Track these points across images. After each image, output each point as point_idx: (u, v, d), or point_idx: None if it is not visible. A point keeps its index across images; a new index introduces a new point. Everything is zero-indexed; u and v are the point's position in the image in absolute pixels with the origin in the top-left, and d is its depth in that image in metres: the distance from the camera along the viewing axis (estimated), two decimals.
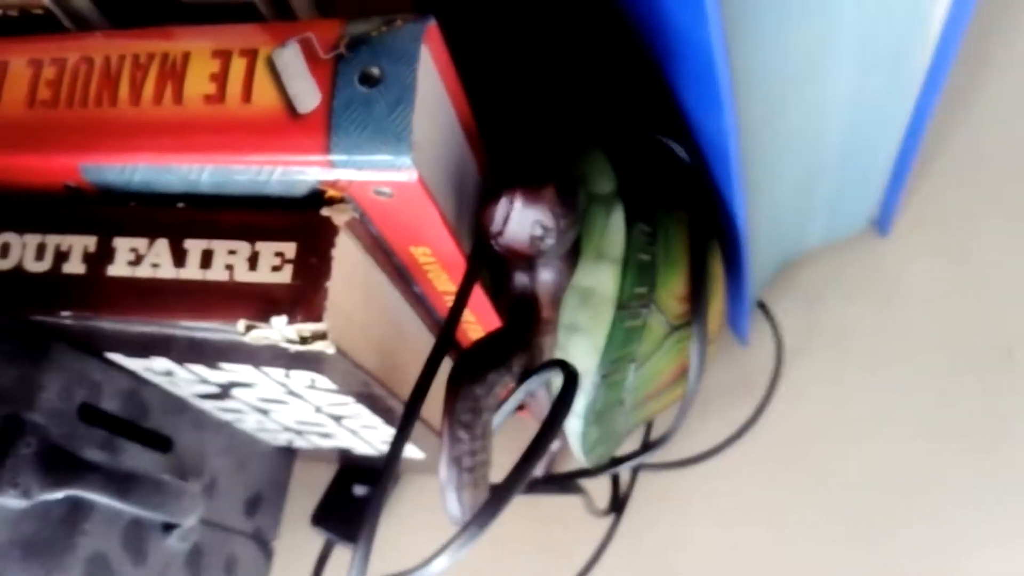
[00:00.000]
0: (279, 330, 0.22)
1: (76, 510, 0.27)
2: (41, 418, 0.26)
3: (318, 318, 0.22)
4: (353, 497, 0.39)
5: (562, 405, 0.23)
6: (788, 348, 0.39)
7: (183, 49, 0.23)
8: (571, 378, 0.24)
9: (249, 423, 0.34)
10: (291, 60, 0.22)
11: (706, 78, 0.23)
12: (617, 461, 0.33)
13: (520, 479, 0.23)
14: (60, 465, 0.25)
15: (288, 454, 0.38)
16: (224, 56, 0.23)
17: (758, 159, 0.29)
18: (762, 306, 0.39)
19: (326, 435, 0.34)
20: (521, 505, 0.39)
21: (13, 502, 0.25)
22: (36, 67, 0.24)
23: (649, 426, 0.37)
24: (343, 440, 0.35)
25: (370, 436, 0.33)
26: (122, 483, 0.26)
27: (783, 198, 0.33)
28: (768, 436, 0.38)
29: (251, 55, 0.22)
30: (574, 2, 0.28)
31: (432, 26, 0.22)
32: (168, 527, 0.31)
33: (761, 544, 0.36)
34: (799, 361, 0.38)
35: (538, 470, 0.37)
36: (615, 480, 0.36)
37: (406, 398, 0.28)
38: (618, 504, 0.36)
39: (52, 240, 0.25)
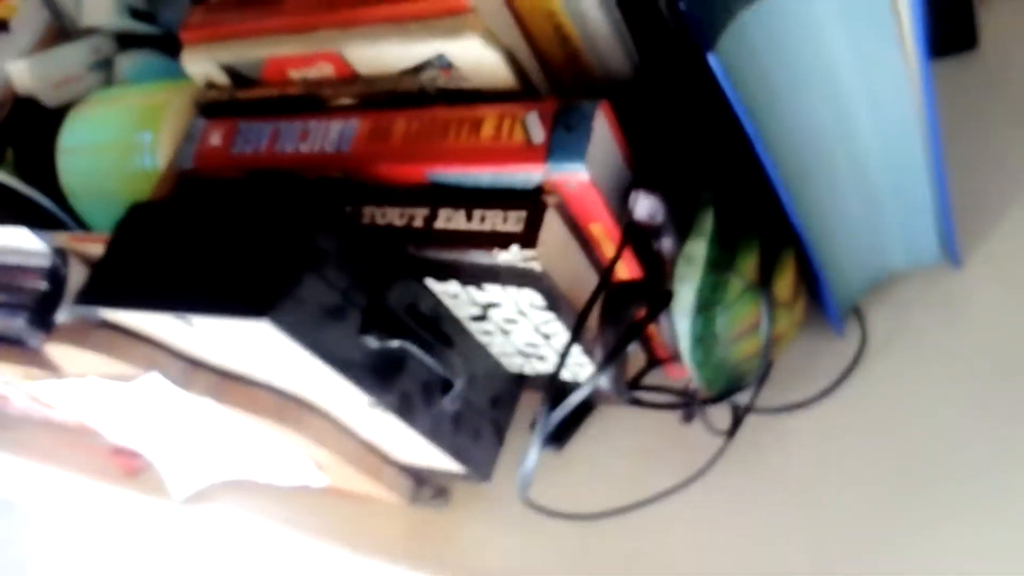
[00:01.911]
0: (513, 253, 0.43)
1: (399, 362, 0.49)
2: (390, 303, 0.48)
3: (533, 247, 0.43)
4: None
5: (657, 303, 0.42)
6: (873, 342, 0.54)
7: (483, 114, 0.45)
8: (665, 295, 0.42)
9: (497, 344, 0.55)
10: (532, 119, 0.44)
11: (756, 153, 0.41)
12: (728, 393, 0.50)
13: (627, 340, 0.42)
14: (397, 327, 0.48)
15: (519, 379, 0.59)
16: (501, 117, 0.45)
17: (819, 196, 0.46)
18: (856, 310, 0.54)
19: (541, 358, 0.55)
20: (646, 418, 0.56)
21: (373, 342, 0.47)
22: (417, 122, 0.48)
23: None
24: (552, 364, 0.55)
25: (570, 361, 0.53)
26: (427, 345, 0.48)
27: (853, 224, 0.49)
28: (850, 400, 0.52)
29: (514, 117, 0.44)
30: (708, 104, 0.47)
31: (604, 103, 0.43)
32: (444, 391, 0.52)
33: (839, 483, 0.51)
34: (881, 351, 0.53)
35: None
36: (735, 409, 0.53)
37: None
38: (735, 426, 0.53)
39: (408, 210, 0.48)
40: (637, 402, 0.55)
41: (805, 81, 0.40)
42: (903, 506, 0.49)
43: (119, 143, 0.66)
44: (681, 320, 0.46)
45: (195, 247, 0.48)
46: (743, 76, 0.39)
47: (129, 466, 0.75)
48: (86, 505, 0.82)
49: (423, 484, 0.62)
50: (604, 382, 0.46)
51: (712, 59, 0.36)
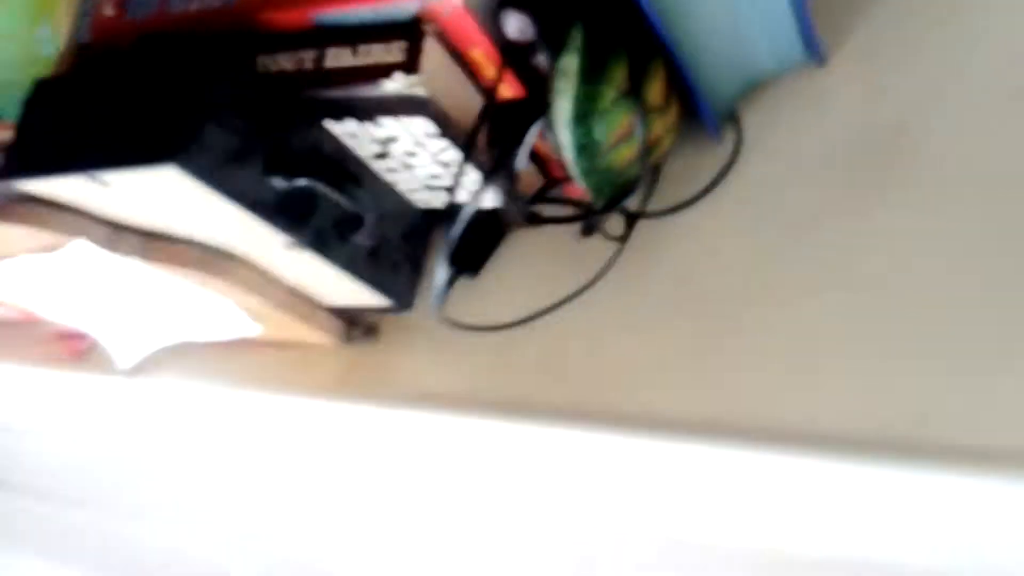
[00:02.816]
0: (399, 80, 0.46)
1: (310, 201, 0.53)
2: (293, 146, 0.51)
3: (416, 72, 0.46)
4: (472, 245, 0.63)
5: (533, 114, 0.45)
6: (748, 142, 0.58)
7: None
8: (541, 106, 0.46)
9: (403, 181, 0.58)
10: None
11: None
12: (617, 200, 0.55)
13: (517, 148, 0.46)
14: (302, 167, 0.51)
15: (430, 214, 0.63)
16: None
17: (680, 4, 0.49)
18: (732, 114, 0.59)
19: (447, 189, 0.58)
20: (552, 237, 0.61)
21: (279, 182, 0.50)
22: None
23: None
24: (458, 194, 0.58)
25: (471, 185, 0.57)
26: (334, 183, 0.51)
27: (717, 30, 0.53)
28: (729, 196, 0.57)
29: None
30: None
31: None
32: (357, 227, 0.56)
33: (722, 272, 0.56)
34: (756, 150, 0.58)
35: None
36: (627, 215, 0.57)
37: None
38: (628, 231, 0.58)
39: (298, 54, 0.50)
40: (537, 217, 0.59)
41: None
42: (778, 284, 0.55)
43: (18, 36, 0.66)
44: (562, 131, 0.50)
45: (100, 113, 0.50)
46: None
47: (74, 349, 0.78)
48: (39, 394, 0.86)
49: (354, 324, 0.66)
50: (498, 196, 0.50)
51: None
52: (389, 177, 0.58)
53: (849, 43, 0.58)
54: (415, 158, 0.55)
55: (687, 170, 0.59)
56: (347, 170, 0.55)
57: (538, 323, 0.59)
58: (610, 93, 0.49)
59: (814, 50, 0.57)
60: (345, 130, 0.53)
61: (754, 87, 0.59)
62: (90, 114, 0.50)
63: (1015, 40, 0.54)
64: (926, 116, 0.55)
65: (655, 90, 0.51)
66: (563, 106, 0.49)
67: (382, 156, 0.56)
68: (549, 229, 0.62)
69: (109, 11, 0.56)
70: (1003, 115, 0.53)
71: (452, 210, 0.48)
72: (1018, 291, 0.49)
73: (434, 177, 0.57)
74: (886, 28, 0.58)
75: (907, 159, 0.54)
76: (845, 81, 0.57)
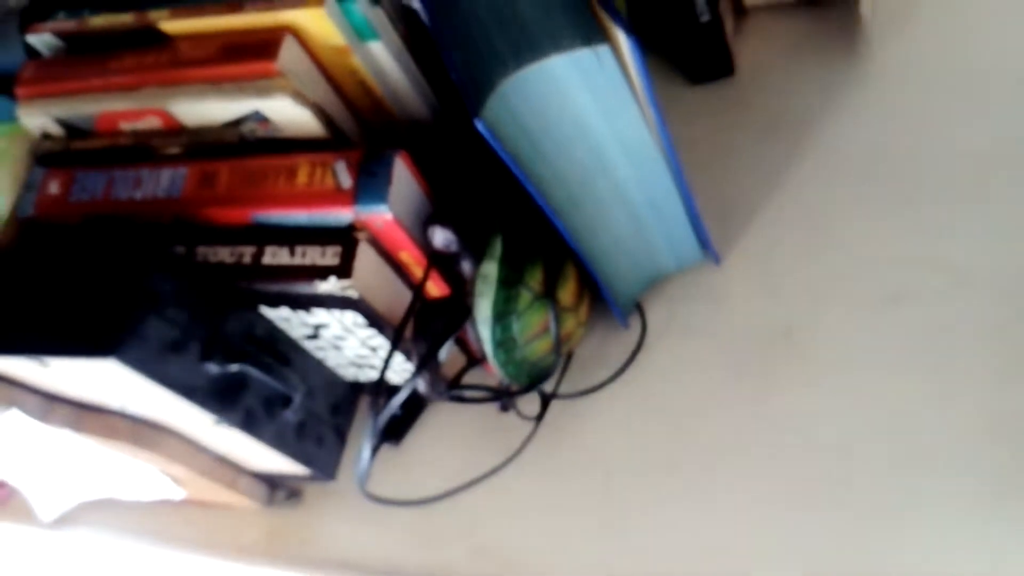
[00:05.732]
0: (332, 283, 0.50)
1: (241, 382, 0.56)
2: (228, 332, 0.54)
3: (348, 276, 0.50)
4: (395, 416, 0.66)
5: (457, 317, 0.50)
6: (652, 331, 0.63)
7: (297, 163, 0.52)
8: (464, 309, 0.50)
9: (331, 358, 0.62)
10: (340, 167, 0.51)
11: (530, 193, 0.50)
12: (532, 385, 0.59)
13: (438, 342, 0.50)
14: (236, 353, 0.54)
15: (356, 387, 0.66)
16: (313, 165, 0.51)
17: (589, 219, 0.55)
18: (638, 306, 0.64)
19: (372, 367, 0.62)
20: (471, 411, 0.64)
21: (214, 368, 0.53)
22: (239, 170, 0.54)
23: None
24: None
25: (397, 367, 0.60)
26: (265, 366, 0.55)
27: (622, 238, 0.58)
28: (634, 381, 0.62)
29: (324, 165, 0.51)
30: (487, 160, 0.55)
31: (402, 152, 0.50)
32: (285, 405, 0.59)
33: (628, 450, 0.61)
34: (659, 338, 0.63)
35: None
36: (542, 397, 0.61)
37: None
38: (542, 412, 0.62)
39: (237, 248, 0.54)
40: (458, 398, 0.63)
41: (560, 131, 0.49)
42: (678, 461, 0.59)
43: None
44: (483, 329, 0.54)
45: (43, 293, 0.52)
46: (509, 131, 0.47)
47: None
48: None
49: (277, 488, 0.68)
50: (421, 385, 0.54)
51: (479, 123, 0.44)
52: (318, 355, 0.62)
53: (742, 245, 0.65)
54: (344, 341, 0.58)
55: (598, 354, 0.64)
56: (278, 351, 0.58)
57: (457, 496, 0.62)
58: (527, 296, 0.54)
59: (710, 252, 0.63)
60: (278, 315, 0.57)
61: (657, 282, 0.65)
62: (33, 295, 0.53)
63: (888, 248, 0.61)
64: (810, 316, 0.61)
65: (568, 292, 0.56)
66: (484, 307, 0.53)
67: (313, 337, 0.59)
68: (468, 404, 0.66)
69: (55, 189, 0.59)
70: (878, 317, 0.59)
71: (378, 385, 0.52)
72: (898, 469, 0.54)
73: (361, 357, 0.61)
74: (776, 233, 0.65)
75: (794, 353, 0.60)
76: (739, 280, 0.64)
